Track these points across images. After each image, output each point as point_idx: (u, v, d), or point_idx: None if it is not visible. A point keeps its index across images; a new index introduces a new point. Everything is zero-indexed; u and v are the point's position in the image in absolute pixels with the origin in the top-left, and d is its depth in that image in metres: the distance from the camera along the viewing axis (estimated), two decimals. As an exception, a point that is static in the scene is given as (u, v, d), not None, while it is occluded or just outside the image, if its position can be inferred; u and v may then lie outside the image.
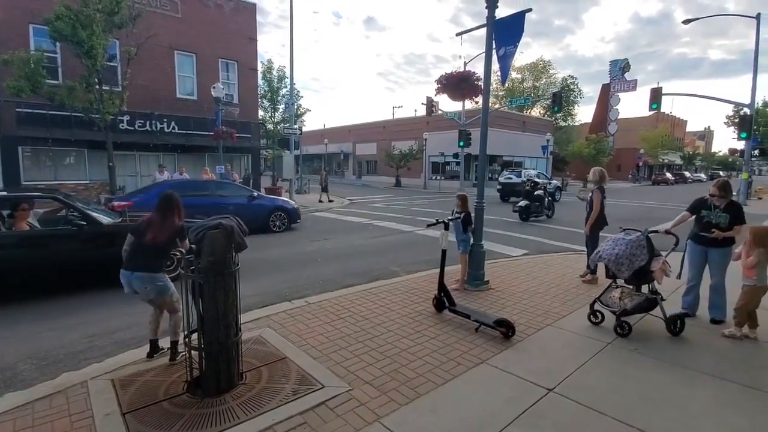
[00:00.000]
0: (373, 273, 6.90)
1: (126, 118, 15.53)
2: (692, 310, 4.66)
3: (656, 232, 4.49)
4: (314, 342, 4.01)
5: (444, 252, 4.75)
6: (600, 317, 4.49)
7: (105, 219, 6.19)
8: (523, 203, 13.38)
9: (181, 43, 17.39)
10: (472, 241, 5.76)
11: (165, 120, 16.87)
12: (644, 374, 3.44)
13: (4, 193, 7.15)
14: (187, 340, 3.09)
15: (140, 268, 3.46)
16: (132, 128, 16.08)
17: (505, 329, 4.08)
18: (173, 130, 17.13)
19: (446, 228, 4.86)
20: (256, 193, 11.57)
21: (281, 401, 2.96)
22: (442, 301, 4.74)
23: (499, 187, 21.71)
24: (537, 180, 15.44)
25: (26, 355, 3.96)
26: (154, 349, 3.69)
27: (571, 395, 3.09)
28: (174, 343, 3.63)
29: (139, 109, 15.80)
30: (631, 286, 4.43)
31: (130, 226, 3.74)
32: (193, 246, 3.05)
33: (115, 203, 8.92)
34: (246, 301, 5.14)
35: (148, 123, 16.47)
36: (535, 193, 13.76)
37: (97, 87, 12.28)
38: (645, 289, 4.35)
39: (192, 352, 3.10)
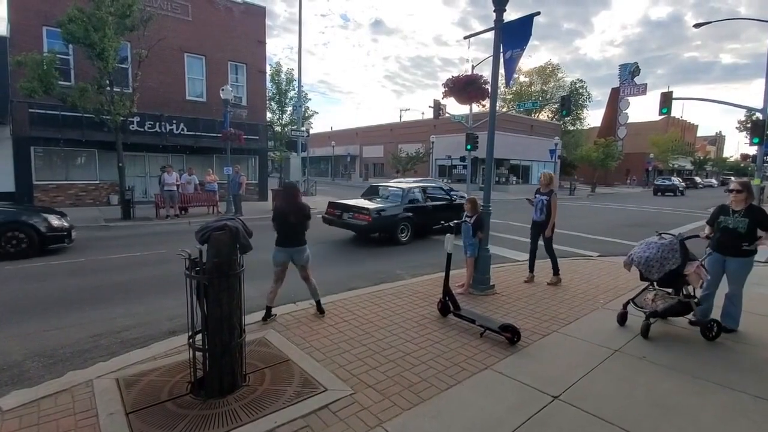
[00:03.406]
0: (378, 276, 6.88)
1: (136, 119, 15.69)
2: (704, 318, 4.58)
3: (696, 237, 4.48)
4: (318, 345, 4.00)
5: (449, 256, 4.72)
6: (625, 319, 4.52)
7: (455, 197, 11.67)
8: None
9: (190, 46, 17.57)
10: (479, 245, 5.74)
11: (174, 121, 17.03)
12: (653, 382, 3.38)
13: (425, 184, 12.86)
14: (191, 341, 3.09)
15: (301, 243, 4.57)
16: (142, 129, 16.25)
17: (510, 334, 4.04)
18: (182, 132, 17.28)
19: (453, 232, 4.84)
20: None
21: (284, 404, 2.95)
22: (447, 305, 4.71)
23: (654, 186, 36.52)
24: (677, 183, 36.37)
25: (33, 353, 4.00)
26: (269, 314, 4.57)
27: (577, 403, 3.05)
28: (318, 302, 4.78)
29: (148, 111, 15.98)
30: (667, 290, 4.45)
31: (274, 216, 4.58)
32: (199, 247, 3.06)
33: None
34: (250, 303, 5.15)
35: (157, 124, 16.64)
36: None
37: (109, 89, 12.42)
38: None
39: (196, 353, 3.10)
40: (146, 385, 3.20)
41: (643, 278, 4.52)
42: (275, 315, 4.67)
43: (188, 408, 2.91)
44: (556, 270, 6.32)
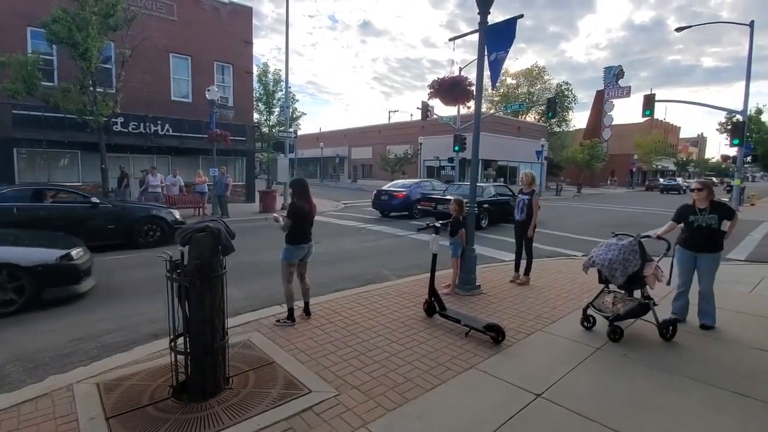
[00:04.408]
0: (365, 277, 6.88)
1: (120, 120, 15.44)
2: (682, 316, 4.68)
3: (648, 237, 4.49)
4: (303, 346, 3.99)
5: (434, 256, 4.74)
6: (592, 321, 4.50)
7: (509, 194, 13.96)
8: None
9: (176, 46, 17.34)
10: (464, 245, 5.78)
11: (159, 122, 16.78)
12: (634, 380, 3.44)
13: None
14: (172, 344, 3.06)
15: (311, 237, 4.73)
16: (126, 130, 15.98)
17: (495, 334, 4.07)
18: (167, 133, 17.04)
19: (436, 232, 4.86)
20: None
21: (267, 406, 2.93)
22: (433, 305, 4.73)
23: (661, 186, 42.18)
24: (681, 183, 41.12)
25: (14, 357, 3.93)
26: (307, 311, 4.81)
27: (559, 401, 3.09)
28: (307, 304, 4.82)
29: (133, 112, 15.70)
30: (623, 291, 4.43)
31: (294, 213, 4.55)
32: (180, 249, 3.03)
33: (396, 193, 15.33)
34: (236, 305, 5.13)
35: (142, 125, 16.37)
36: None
37: (92, 89, 12.21)
38: (637, 294, 4.36)
39: (178, 356, 3.06)
40: (127, 390, 3.16)
41: (601, 280, 4.46)
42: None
43: (170, 412, 2.87)
44: (527, 270, 6.42)
